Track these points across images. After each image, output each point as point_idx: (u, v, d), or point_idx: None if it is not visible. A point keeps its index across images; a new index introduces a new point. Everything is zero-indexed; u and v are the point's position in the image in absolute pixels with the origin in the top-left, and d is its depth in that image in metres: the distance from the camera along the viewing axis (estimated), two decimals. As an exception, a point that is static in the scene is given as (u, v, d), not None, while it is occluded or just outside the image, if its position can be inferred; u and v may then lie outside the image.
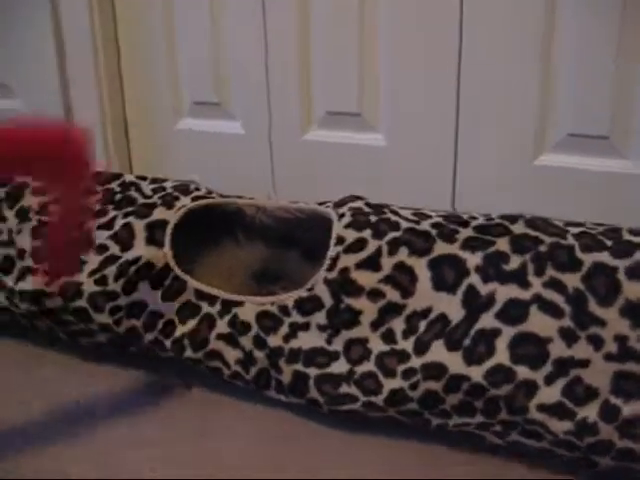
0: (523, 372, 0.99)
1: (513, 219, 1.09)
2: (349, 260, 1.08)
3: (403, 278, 1.06)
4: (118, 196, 1.29)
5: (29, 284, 1.25)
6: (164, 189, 1.28)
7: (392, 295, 1.06)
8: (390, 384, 1.05)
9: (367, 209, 1.14)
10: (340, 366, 1.08)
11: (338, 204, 1.19)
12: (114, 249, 1.23)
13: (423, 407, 1.05)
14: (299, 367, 1.10)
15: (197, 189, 1.29)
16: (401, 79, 1.55)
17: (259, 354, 1.14)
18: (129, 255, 1.21)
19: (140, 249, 1.21)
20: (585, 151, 1.46)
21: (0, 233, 1.33)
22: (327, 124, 1.66)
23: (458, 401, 1.03)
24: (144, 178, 1.34)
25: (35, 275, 1.25)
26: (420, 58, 1.53)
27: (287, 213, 1.24)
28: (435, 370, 1.03)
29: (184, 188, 1.28)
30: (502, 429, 1.03)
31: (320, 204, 1.21)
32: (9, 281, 1.27)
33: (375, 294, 1.06)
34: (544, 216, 1.12)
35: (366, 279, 1.07)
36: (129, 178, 1.34)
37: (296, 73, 1.66)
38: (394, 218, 1.12)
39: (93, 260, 1.23)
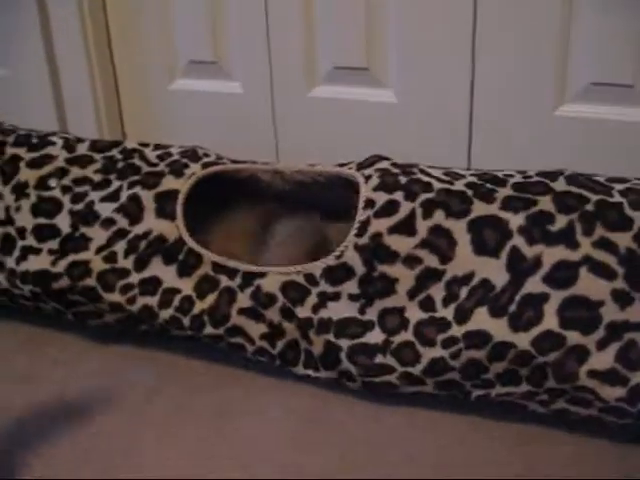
0: (573, 337, 0.94)
1: (553, 176, 1.03)
2: (381, 224, 1.02)
3: (441, 242, 1.00)
4: (120, 164, 1.21)
5: (32, 264, 1.17)
6: (170, 155, 1.20)
7: (430, 260, 1.00)
8: (429, 353, 1.00)
9: (395, 170, 1.07)
10: (375, 336, 1.02)
11: (362, 165, 1.12)
12: (122, 222, 1.15)
13: (465, 377, 1.00)
14: (330, 337, 1.04)
15: (206, 154, 1.21)
16: (412, 30, 1.47)
17: (288, 325, 1.07)
18: (139, 229, 1.14)
19: (150, 222, 1.14)
20: (608, 101, 1.39)
21: (-4, 211, 1.24)
22: (333, 80, 1.58)
23: (503, 369, 0.98)
24: (146, 144, 1.25)
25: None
26: (433, 6, 1.46)
27: (306, 177, 1.16)
28: (478, 338, 0.97)
29: (192, 154, 1.19)
30: (548, 397, 0.98)
31: (340, 165, 1.13)
32: (10, 262, 1.18)
33: (411, 260, 1.00)
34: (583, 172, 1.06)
35: (401, 244, 1.01)
36: (130, 145, 1.25)
37: (299, 26, 1.56)
38: (425, 178, 1.05)
39: (100, 235, 1.16)
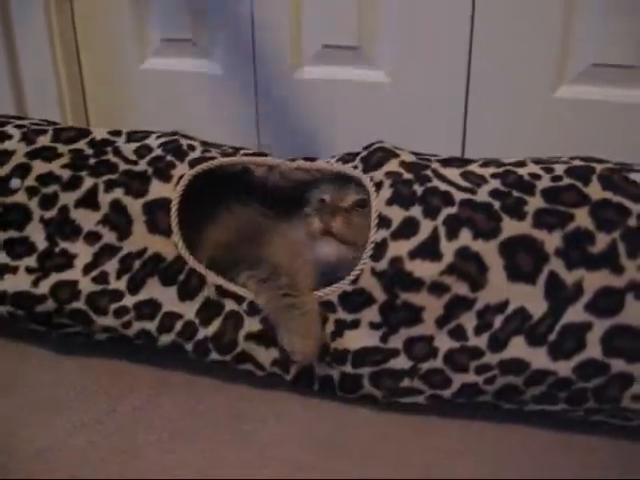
0: (618, 365, 0.89)
1: (585, 176, 0.95)
2: (400, 247, 0.93)
3: (470, 267, 0.92)
4: (92, 160, 1.07)
5: (9, 284, 1.06)
6: (150, 150, 1.07)
7: (459, 288, 0.92)
8: (461, 379, 0.94)
9: (407, 174, 0.97)
10: (401, 362, 0.95)
11: (368, 162, 1.02)
12: (109, 237, 1.04)
13: (499, 399, 0.94)
14: (347, 369, 0.97)
15: (190, 147, 1.10)
16: (406, 8, 1.35)
17: None
18: (131, 246, 1.03)
19: (143, 238, 1.03)
20: (609, 82, 1.32)
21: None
22: (321, 59, 1.45)
23: (540, 392, 0.92)
24: (117, 133, 1.12)
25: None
26: None
27: (306, 175, 1.05)
28: (515, 365, 0.91)
29: (176, 149, 1.06)
30: (585, 414, 0.94)
31: (341, 160, 1.04)
32: (-17, 280, 1.06)
33: (438, 288, 0.92)
34: (616, 164, 0.97)
35: (425, 270, 0.93)
36: (100, 135, 1.12)
37: (286, 2, 1.43)
38: (443, 186, 0.95)
39: (84, 251, 1.04)
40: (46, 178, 1.07)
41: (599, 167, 0.95)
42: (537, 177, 0.95)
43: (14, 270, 1.06)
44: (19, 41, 1.55)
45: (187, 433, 0.96)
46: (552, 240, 0.90)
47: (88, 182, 1.06)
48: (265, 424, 0.97)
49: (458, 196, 0.93)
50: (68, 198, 1.06)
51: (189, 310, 1.01)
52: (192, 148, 1.07)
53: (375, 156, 1.00)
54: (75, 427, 0.97)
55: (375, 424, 0.98)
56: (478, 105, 1.36)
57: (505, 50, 1.31)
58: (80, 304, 1.03)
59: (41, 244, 1.05)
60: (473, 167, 0.98)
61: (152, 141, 1.09)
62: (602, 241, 0.89)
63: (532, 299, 0.90)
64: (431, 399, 0.96)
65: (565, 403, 0.92)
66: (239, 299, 1.00)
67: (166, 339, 1.02)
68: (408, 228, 0.93)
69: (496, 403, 0.95)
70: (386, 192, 0.95)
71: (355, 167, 1.01)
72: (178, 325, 1.01)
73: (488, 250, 0.91)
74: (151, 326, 1.02)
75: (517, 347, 0.90)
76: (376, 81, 1.41)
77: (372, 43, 1.39)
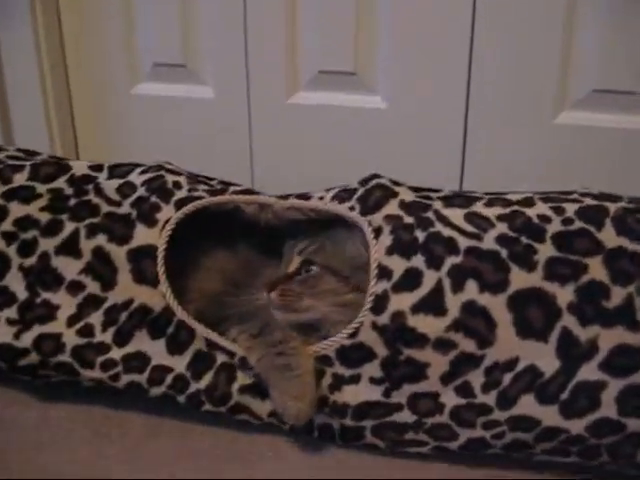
0: (634, 425, 0.84)
1: (597, 220, 0.90)
2: (402, 301, 0.88)
3: (477, 323, 0.87)
4: (72, 201, 1.01)
5: (-10, 335, 0.99)
6: (133, 188, 1.01)
7: (465, 345, 0.87)
8: (468, 433, 0.89)
9: (408, 218, 0.92)
10: (405, 417, 0.91)
11: (365, 202, 0.96)
12: (92, 287, 0.99)
13: (507, 451, 0.90)
14: (347, 422, 0.92)
15: (176, 184, 1.03)
16: (403, 32, 1.30)
17: None
18: (116, 297, 0.98)
19: (128, 288, 0.97)
20: (610, 108, 1.29)
21: None
22: (317, 85, 1.40)
23: (551, 447, 0.88)
24: (99, 167, 1.05)
25: None
26: (428, 6, 1.28)
27: (299, 214, 0.98)
28: (525, 423, 0.87)
29: (160, 186, 1.01)
30: (600, 466, 0.89)
31: (337, 198, 0.98)
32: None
33: (443, 344, 0.88)
34: (630, 200, 0.93)
35: (429, 326, 0.88)
36: (79, 170, 1.05)
37: (281, 25, 1.36)
38: (447, 231, 0.90)
39: (67, 302, 0.98)
40: (24, 222, 1.01)
41: (612, 207, 0.90)
42: (547, 220, 0.89)
43: None
44: (5, 64, 1.48)
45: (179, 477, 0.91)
46: (564, 294, 0.85)
47: (69, 227, 1.00)
48: (262, 464, 0.94)
49: (463, 243, 0.88)
50: (48, 244, 1.00)
51: (179, 364, 0.96)
52: (178, 186, 1.01)
53: (373, 196, 0.94)
54: (60, 469, 0.92)
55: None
56: (477, 131, 1.31)
57: (505, 76, 1.27)
58: (65, 357, 0.98)
59: (21, 294, 1.00)
60: (478, 207, 0.92)
61: (135, 177, 1.02)
62: (617, 295, 0.84)
63: (543, 356, 0.85)
64: (436, 450, 0.91)
65: (577, 457, 0.88)
66: (231, 353, 0.95)
67: (157, 391, 0.98)
68: (410, 280, 0.88)
69: (505, 455, 0.91)
70: (386, 239, 0.90)
71: (352, 208, 0.94)
72: (169, 378, 0.97)
73: (496, 304, 0.86)
74: (141, 378, 0.97)
75: (527, 405, 0.86)
76: (373, 107, 1.36)
77: (369, 69, 1.34)
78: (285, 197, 1.00)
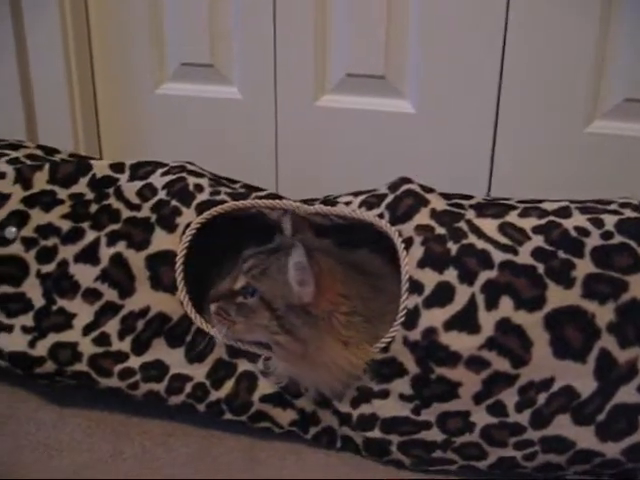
0: (674, 448, 0.79)
1: (638, 234, 0.84)
2: (434, 317, 0.85)
3: (512, 342, 0.84)
4: (93, 207, 0.98)
5: (5, 343, 0.99)
6: (154, 191, 0.97)
7: (499, 364, 0.84)
8: (499, 452, 0.87)
9: (439, 229, 0.88)
10: (433, 435, 0.88)
11: (394, 210, 0.92)
12: (110, 294, 0.96)
13: (538, 472, 0.87)
14: (374, 435, 0.90)
15: (198, 186, 0.99)
16: (434, 37, 1.26)
17: (324, 413, 0.93)
18: (133, 304, 0.95)
19: (146, 296, 0.95)
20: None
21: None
22: (345, 88, 1.35)
23: (584, 470, 0.85)
24: (120, 167, 1.01)
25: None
26: (460, 10, 1.23)
27: (325, 220, 0.95)
28: (559, 444, 0.84)
29: (181, 189, 0.97)
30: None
31: (365, 204, 0.94)
32: (-21, 334, 0.98)
33: (476, 363, 0.84)
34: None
35: (462, 344, 0.85)
36: (100, 171, 1.01)
37: (311, 27, 1.32)
38: (480, 244, 0.86)
39: (84, 311, 0.95)
40: (45, 229, 0.99)
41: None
42: (585, 233, 0.86)
43: (9, 329, 0.99)
44: (33, 63, 1.44)
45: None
46: (604, 313, 0.82)
47: (90, 235, 0.98)
48: (282, 469, 0.91)
49: (497, 257, 0.84)
50: (67, 252, 0.98)
51: (199, 372, 0.95)
52: (200, 189, 0.97)
53: (403, 204, 0.91)
54: (78, 469, 0.91)
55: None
56: (507, 139, 1.28)
57: (536, 83, 1.23)
58: (82, 366, 0.97)
59: (38, 301, 0.98)
60: (512, 217, 0.89)
61: (156, 180, 0.99)
62: (660, 315, 0.79)
63: (580, 377, 0.82)
64: (463, 469, 0.89)
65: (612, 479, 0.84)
66: (253, 357, 0.93)
67: (176, 400, 0.96)
68: (442, 295, 0.85)
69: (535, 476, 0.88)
70: (417, 251, 0.87)
71: (380, 215, 0.91)
72: (188, 387, 0.95)
73: (532, 323, 0.83)
74: (159, 387, 0.96)
75: (562, 426, 0.83)
76: (401, 111, 1.32)
77: (398, 73, 1.29)
78: (310, 202, 0.96)
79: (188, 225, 0.95)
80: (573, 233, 0.86)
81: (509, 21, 1.19)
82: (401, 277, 0.87)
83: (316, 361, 0.85)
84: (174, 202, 0.96)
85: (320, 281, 0.85)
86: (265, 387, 0.93)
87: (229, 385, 0.94)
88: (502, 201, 0.94)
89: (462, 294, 0.84)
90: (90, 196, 0.99)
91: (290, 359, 0.87)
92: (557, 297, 0.83)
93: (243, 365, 0.94)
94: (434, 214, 0.90)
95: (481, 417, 0.85)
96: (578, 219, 0.87)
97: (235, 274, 0.89)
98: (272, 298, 0.86)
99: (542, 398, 0.83)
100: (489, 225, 0.88)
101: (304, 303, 0.85)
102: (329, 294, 0.86)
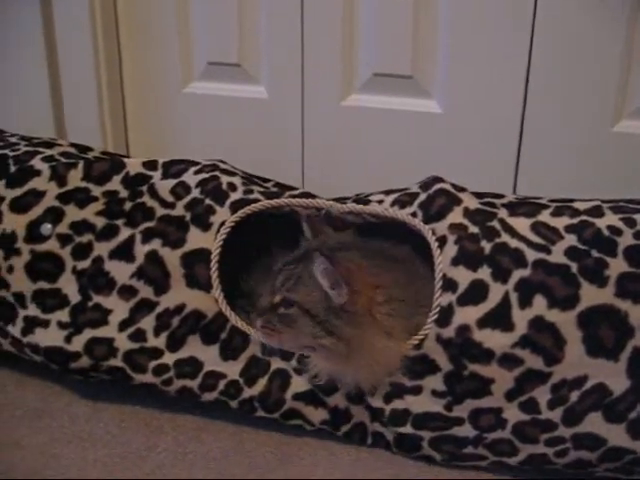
0: None
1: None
2: (468, 315, 0.86)
3: (545, 340, 0.84)
4: (127, 205, 0.98)
5: (41, 339, 0.99)
6: (188, 190, 0.98)
7: (532, 362, 0.85)
8: (530, 449, 0.87)
9: (473, 227, 0.88)
10: (465, 431, 0.89)
11: (428, 211, 0.93)
12: (145, 291, 0.97)
13: (569, 469, 0.88)
14: (407, 430, 0.91)
15: (231, 185, 1.00)
16: (462, 37, 1.25)
17: (356, 408, 0.94)
18: (168, 302, 0.96)
19: (181, 293, 0.96)
20: None
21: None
22: (372, 88, 1.34)
23: (615, 467, 0.86)
24: (153, 165, 1.02)
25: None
26: (488, 11, 1.22)
27: (357, 218, 0.96)
28: (589, 441, 0.85)
29: (215, 188, 0.98)
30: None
31: (397, 202, 0.95)
32: (13, 331, 1.00)
33: (509, 360, 0.85)
34: None
35: (495, 341, 0.85)
36: (134, 168, 1.03)
37: (338, 27, 1.31)
38: (514, 242, 0.87)
39: (119, 307, 0.96)
40: (80, 226, 1.00)
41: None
42: (618, 232, 0.86)
43: (45, 324, 1.00)
44: (62, 62, 1.44)
45: (231, 475, 0.91)
46: (637, 312, 0.82)
47: (125, 232, 0.99)
48: (315, 468, 0.92)
49: (530, 256, 0.85)
50: (102, 248, 0.98)
51: (233, 370, 0.96)
52: (233, 187, 0.98)
53: (436, 203, 0.92)
54: (113, 461, 0.92)
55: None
56: (533, 138, 1.27)
57: (563, 82, 1.22)
58: (117, 362, 0.98)
59: (74, 297, 0.99)
60: (544, 216, 0.89)
61: (190, 178, 1.00)
62: (695, 314, 0.80)
63: (613, 375, 0.83)
64: (494, 464, 0.90)
65: (641, 476, 0.84)
66: (286, 355, 0.94)
67: (209, 397, 0.97)
68: (476, 293, 0.86)
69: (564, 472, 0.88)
70: (451, 249, 0.87)
71: (414, 214, 0.91)
72: (221, 384, 0.96)
73: (565, 321, 0.84)
74: (193, 384, 0.97)
75: (594, 423, 0.84)
76: (428, 111, 1.31)
77: (426, 73, 1.29)
78: (343, 201, 0.96)
79: (222, 223, 0.95)
80: (606, 232, 0.86)
81: (536, 21, 1.19)
82: (434, 275, 0.87)
83: (359, 357, 0.86)
84: (208, 201, 0.97)
85: (350, 279, 0.86)
86: (298, 385, 0.94)
87: (262, 383, 0.95)
88: (533, 200, 0.94)
89: (496, 292, 0.85)
90: (124, 194, 1.00)
91: (334, 359, 0.87)
92: (590, 296, 0.83)
93: (276, 363, 0.94)
94: (467, 213, 0.91)
95: (513, 414, 0.86)
96: (610, 218, 0.88)
97: (271, 289, 0.90)
98: (310, 305, 0.87)
99: (574, 396, 0.84)
100: (522, 224, 0.89)
101: (341, 304, 0.85)
102: (362, 289, 0.87)
